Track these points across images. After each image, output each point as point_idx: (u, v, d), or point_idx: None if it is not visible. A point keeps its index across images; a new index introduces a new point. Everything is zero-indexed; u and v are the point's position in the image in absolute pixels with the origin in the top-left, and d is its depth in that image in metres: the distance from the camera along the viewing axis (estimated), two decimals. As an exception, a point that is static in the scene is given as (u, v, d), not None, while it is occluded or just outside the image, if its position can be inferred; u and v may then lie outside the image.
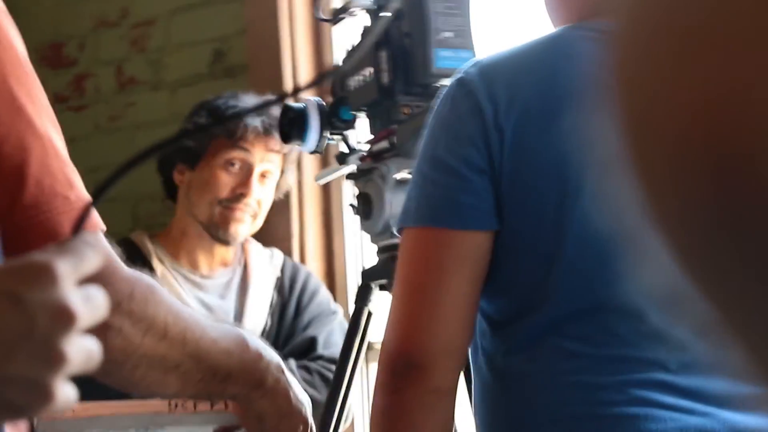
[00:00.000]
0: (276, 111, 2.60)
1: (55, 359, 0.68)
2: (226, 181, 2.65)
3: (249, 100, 2.67)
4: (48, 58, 3.56)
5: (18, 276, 0.69)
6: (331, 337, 2.64)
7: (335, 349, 2.59)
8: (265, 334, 2.63)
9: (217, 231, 2.66)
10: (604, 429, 1.40)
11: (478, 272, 1.44)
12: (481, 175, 1.44)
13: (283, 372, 1.26)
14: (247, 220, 2.66)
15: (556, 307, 1.43)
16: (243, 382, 1.23)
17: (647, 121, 0.37)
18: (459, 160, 1.44)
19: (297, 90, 2.18)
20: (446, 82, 2.12)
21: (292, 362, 2.55)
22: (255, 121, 2.64)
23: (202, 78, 3.29)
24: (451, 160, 1.44)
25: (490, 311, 1.49)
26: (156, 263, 2.67)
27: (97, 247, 0.73)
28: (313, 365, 2.58)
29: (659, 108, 0.36)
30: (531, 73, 1.47)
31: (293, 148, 2.65)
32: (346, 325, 2.64)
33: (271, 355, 1.26)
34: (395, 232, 1.51)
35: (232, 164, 2.66)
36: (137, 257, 2.60)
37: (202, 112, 2.68)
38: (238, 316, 2.65)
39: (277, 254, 2.80)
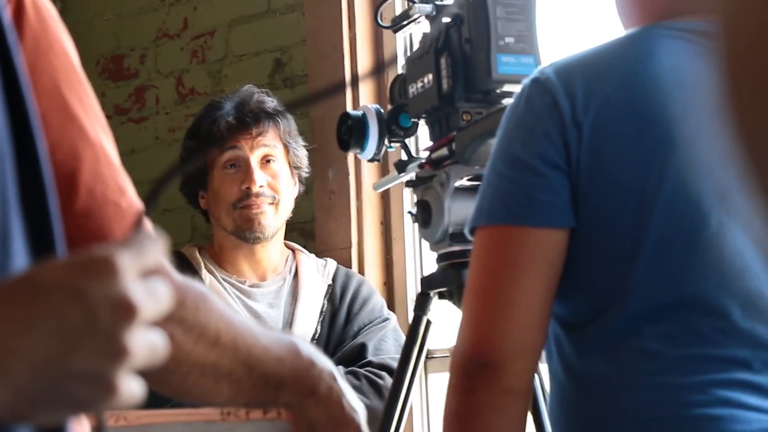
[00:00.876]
0: (249, 97, 2.72)
1: (117, 353, 0.67)
2: (231, 185, 2.67)
3: (228, 105, 2.70)
4: (109, 71, 3.57)
5: (79, 269, 0.68)
6: (382, 344, 2.61)
7: (386, 356, 2.56)
8: (315, 342, 2.61)
9: (245, 233, 2.67)
10: (687, 431, 1.37)
11: (553, 271, 1.42)
12: (558, 172, 1.42)
13: (336, 380, 1.24)
14: (268, 210, 2.67)
15: (636, 306, 1.41)
16: (295, 390, 1.21)
17: (749, 62, 0.36)
18: (535, 157, 1.42)
19: (355, 80, 2.17)
20: (508, 87, 2.11)
21: (341, 369, 2.52)
22: (227, 117, 2.67)
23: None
24: (527, 156, 1.43)
25: (563, 313, 1.47)
26: (205, 274, 2.68)
27: (157, 242, 0.71)
28: (361, 371, 2.55)
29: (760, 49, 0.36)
30: (610, 69, 1.46)
31: (282, 123, 2.68)
32: (399, 333, 2.62)
33: (324, 362, 1.24)
34: (467, 234, 1.49)
35: (231, 166, 2.68)
36: (187, 269, 2.61)
37: (189, 139, 2.76)
38: (288, 324, 2.64)
39: (331, 263, 2.78)
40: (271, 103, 2.74)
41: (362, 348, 2.60)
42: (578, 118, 1.42)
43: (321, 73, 3.14)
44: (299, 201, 2.82)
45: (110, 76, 3.56)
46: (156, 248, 0.71)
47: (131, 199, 1.13)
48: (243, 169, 2.66)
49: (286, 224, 2.82)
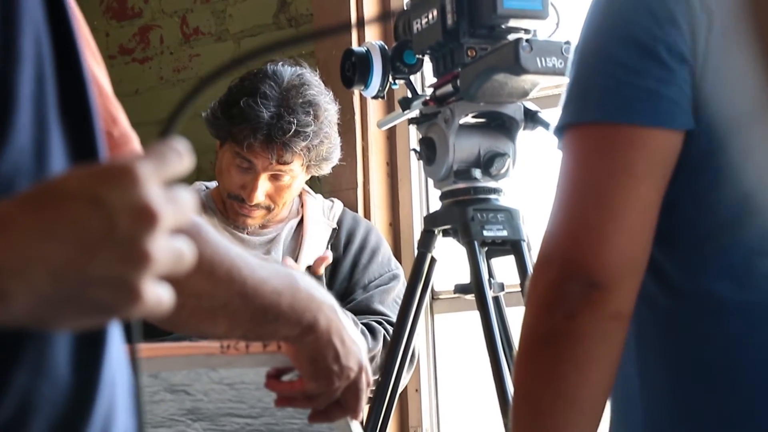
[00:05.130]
0: (288, 120, 2.44)
1: (138, 258, 0.67)
2: (233, 178, 2.52)
3: (270, 106, 2.45)
4: (113, 10, 3.54)
5: (98, 178, 0.68)
6: (395, 306, 2.47)
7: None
8: None
9: (228, 218, 2.58)
10: None
11: (666, 179, 1.23)
12: (682, 65, 1.22)
13: (336, 312, 1.22)
14: (258, 215, 2.54)
15: None
16: (294, 323, 1.19)
17: None
18: (660, 44, 1.22)
19: (361, 23, 2.14)
20: (513, 23, 2.07)
21: (350, 315, 2.45)
22: (258, 133, 2.45)
23: (267, 28, 3.25)
24: (651, 43, 1.22)
25: (666, 226, 1.26)
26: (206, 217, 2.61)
27: (181, 154, 0.71)
28: (377, 326, 2.46)
29: None
30: None
31: (309, 150, 2.47)
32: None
33: (324, 295, 1.22)
34: (553, 134, 1.30)
35: (242, 161, 2.52)
36: None
37: (222, 113, 2.54)
38: None
39: (337, 205, 2.67)
40: (308, 120, 2.47)
41: (374, 308, 2.50)
42: (708, 3, 1.22)
43: (326, 12, 3.11)
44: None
45: (114, 16, 3.53)
46: (180, 160, 0.71)
47: (123, 127, 1.11)
48: (251, 175, 2.51)
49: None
